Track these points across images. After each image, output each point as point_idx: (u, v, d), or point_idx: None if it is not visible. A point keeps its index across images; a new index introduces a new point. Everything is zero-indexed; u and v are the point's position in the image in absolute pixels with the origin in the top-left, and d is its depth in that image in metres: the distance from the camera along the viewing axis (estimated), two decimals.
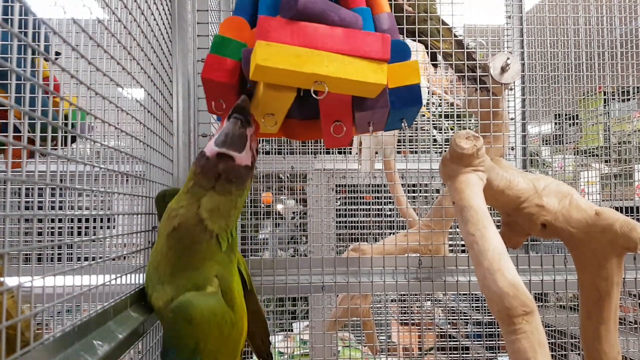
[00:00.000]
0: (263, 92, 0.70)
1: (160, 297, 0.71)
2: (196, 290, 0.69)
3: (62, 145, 0.69)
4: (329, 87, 0.68)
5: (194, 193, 0.70)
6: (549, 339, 0.76)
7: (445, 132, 2.23)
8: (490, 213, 0.82)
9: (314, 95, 0.69)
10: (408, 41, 1.11)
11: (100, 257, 0.67)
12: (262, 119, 0.76)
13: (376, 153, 1.78)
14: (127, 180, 0.78)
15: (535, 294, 1.35)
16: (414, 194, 2.27)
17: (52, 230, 0.62)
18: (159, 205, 0.87)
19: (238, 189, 0.72)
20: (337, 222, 2.34)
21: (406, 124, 0.83)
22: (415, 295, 2.51)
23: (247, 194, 0.76)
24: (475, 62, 1.15)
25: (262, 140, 2.34)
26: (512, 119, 1.51)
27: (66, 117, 1.03)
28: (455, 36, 1.16)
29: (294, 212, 2.96)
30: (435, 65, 1.25)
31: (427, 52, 1.17)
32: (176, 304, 0.67)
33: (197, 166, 0.71)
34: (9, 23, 0.88)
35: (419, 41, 1.17)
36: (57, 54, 0.74)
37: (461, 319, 2.78)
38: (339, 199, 2.55)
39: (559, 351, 1.58)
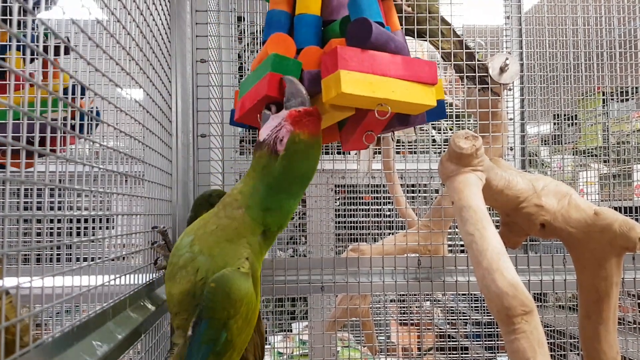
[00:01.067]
0: (329, 111, 0.79)
1: (196, 269, 0.71)
2: (230, 267, 0.72)
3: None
4: (391, 108, 0.77)
5: (248, 175, 0.78)
6: (548, 339, 0.76)
7: (444, 132, 2.23)
8: (490, 213, 0.82)
9: (377, 116, 0.78)
10: (409, 41, 1.11)
11: (100, 258, 0.67)
12: None
13: (375, 153, 1.78)
14: (126, 180, 0.78)
15: (535, 294, 1.35)
16: (413, 194, 2.28)
17: (51, 230, 0.62)
18: (201, 204, 0.88)
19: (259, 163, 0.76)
20: (336, 223, 2.34)
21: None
22: (415, 295, 2.51)
23: (275, 172, 0.74)
24: (477, 62, 1.15)
25: None
26: (511, 119, 1.51)
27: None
28: (457, 35, 1.16)
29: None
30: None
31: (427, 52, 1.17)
32: (219, 276, 0.69)
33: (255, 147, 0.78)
34: (8, 23, 0.88)
35: (419, 41, 1.17)
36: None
37: (460, 319, 2.78)
38: (338, 199, 2.55)
39: (558, 351, 1.58)
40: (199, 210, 0.88)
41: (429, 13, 1.14)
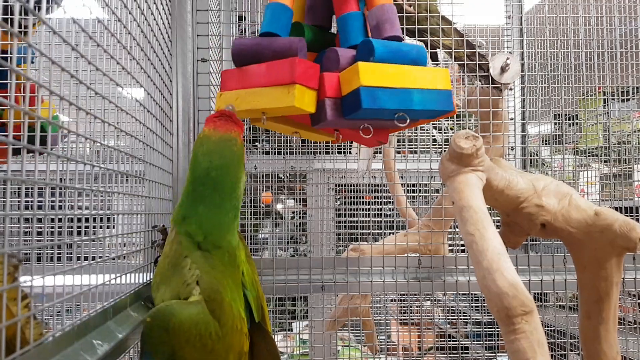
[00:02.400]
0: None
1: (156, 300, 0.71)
2: (178, 298, 0.68)
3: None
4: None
5: None
6: (548, 339, 0.76)
7: (444, 132, 2.23)
8: (490, 213, 0.82)
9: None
10: (410, 41, 1.11)
11: (100, 257, 0.67)
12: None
13: (375, 153, 1.78)
14: (126, 179, 0.78)
15: (535, 293, 1.35)
16: (413, 194, 2.28)
17: (52, 229, 0.62)
18: None
19: None
20: (336, 222, 2.34)
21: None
22: (415, 295, 2.51)
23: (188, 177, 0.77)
24: (480, 61, 1.14)
25: (262, 140, 2.34)
26: (511, 119, 1.51)
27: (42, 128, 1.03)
28: (459, 34, 1.16)
29: (293, 212, 2.96)
30: (436, 65, 1.25)
31: (428, 52, 1.17)
32: (154, 311, 0.65)
33: None
34: (9, 23, 0.88)
35: (420, 40, 1.17)
36: None
37: (461, 319, 2.78)
38: (339, 198, 2.55)
39: (558, 351, 1.58)
40: None
41: (429, 12, 1.14)
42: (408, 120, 0.77)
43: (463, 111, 1.36)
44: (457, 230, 1.46)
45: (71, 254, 0.59)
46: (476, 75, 1.15)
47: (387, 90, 0.74)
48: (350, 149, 2.20)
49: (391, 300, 2.71)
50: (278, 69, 0.76)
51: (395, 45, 0.79)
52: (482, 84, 1.16)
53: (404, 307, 2.61)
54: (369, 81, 0.72)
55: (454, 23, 1.17)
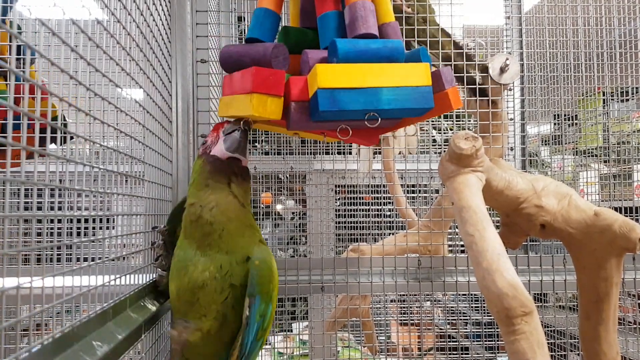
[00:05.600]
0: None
1: (218, 266, 0.79)
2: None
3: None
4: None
5: (214, 187, 0.82)
6: (548, 340, 0.76)
7: (444, 133, 2.23)
8: (490, 214, 0.82)
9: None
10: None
11: (100, 258, 0.67)
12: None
13: (375, 153, 1.78)
14: (126, 180, 0.78)
15: (535, 294, 1.35)
16: (413, 195, 2.28)
17: (52, 230, 0.62)
18: (177, 215, 0.90)
19: (248, 184, 0.87)
20: (336, 223, 2.34)
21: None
22: (415, 295, 2.51)
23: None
24: (477, 71, 1.15)
25: (262, 140, 2.34)
26: (511, 119, 1.51)
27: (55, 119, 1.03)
28: (457, 47, 1.16)
29: (293, 213, 2.96)
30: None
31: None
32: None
33: (209, 165, 0.82)
34: (9, 24, 0.88)
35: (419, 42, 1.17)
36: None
37: (460, 320, 2.78)
38: (338, 199, 2.55)
39: (558, 351, 1.58)
40: (176, 221, 0.89)
41: (428, 24, 1.15)
42: (379, 121, 0.75)
43: (462, 112, 1.36)
44: (456, 230, 1.46)
45: (71, 255, 0.59)
46: (474, 88, 1.15)
47: (350, 90, 0.72)
48: (350, 149, 2.20)
49: (391, 301, 2.71)
50: (243, 77, 0.77)
51: (364, 43, 0.76)
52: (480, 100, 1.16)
53: (404, 307, 2.61)
54: (328, 83, 0.71)
55: (453, 35, 1.17)
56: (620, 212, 0.91)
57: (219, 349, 0.82)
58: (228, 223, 0.81)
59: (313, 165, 2.04)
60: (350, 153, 2.18)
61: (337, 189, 2.44)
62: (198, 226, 0.80)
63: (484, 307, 2.31)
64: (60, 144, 0.63)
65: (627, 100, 1.87)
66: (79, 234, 0.60)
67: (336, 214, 2.32)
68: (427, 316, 2.59)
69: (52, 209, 1.25)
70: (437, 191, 2.02)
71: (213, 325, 0.79)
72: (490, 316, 2.16)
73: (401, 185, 1.72)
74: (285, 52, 0.78)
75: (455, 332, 2.76)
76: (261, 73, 0.74)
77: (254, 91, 0.73)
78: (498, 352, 1.93)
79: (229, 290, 0.79)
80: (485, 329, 2.18)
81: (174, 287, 0.81)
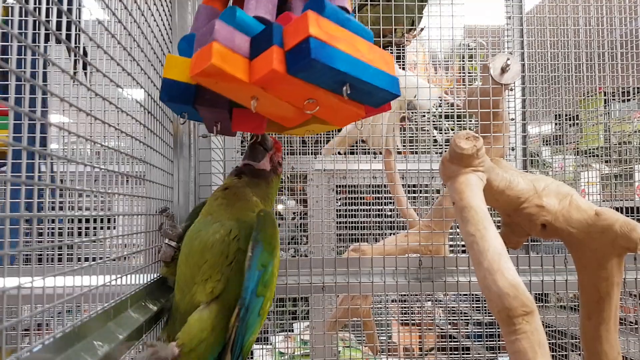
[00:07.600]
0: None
1: (228, 231, 0.87)
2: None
3: None
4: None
5: (231, 180, 0.96)
6: (549, 339, 0.76)
7: (445, 133, 2.23)
8: (491, 213, 0.82)
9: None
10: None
11: (101, 258, 0.67)
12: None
13: (375, 154, 1.78)
14: (127, 180, 0.78)
15: (536, 294, 1.35)
16: (414, 195, 2.27)
17: (53, 230, 0.62)
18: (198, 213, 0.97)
19: (264, 182, 1.00)
20: (337, 223, 2.34)
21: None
22: (416, 295, 2.51)
23: (276, 186, 1.04)
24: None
25: None
26: (512, 119, 1.51)
27: None
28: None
29: (294, 213, 2.96)
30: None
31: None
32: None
33: (235, 171, 0.99)
34: (9, 24, 0.88)
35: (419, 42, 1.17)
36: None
37: (462, 319, 2.78)
38: (340, 199, 2.55)
39: (559, 351, 1.58)
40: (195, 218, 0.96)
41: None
42: (348, 91, 0.69)
43: (463, 112, 1.36)
44: (457, 230, 1.46)
45: (72, 255, 0.59)
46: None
47: (338, 51, 0.66)
48: (350, 150, 2.20)
49: (392, 301, 2.71)
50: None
51: (345, 15, 0.71)
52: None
53: (405, 307, 2.61)
54: (320, 34, 0.64)
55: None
56: (622, 212, 0.91)
57: (216, 327, 0.82)
58: (236, 199, 0.92)
59: (314, 165, 2.03)
60: (352, 154, 2.18)
61: (338, 189, 2.44)
62: (214, 199, 0.93)
63: (485, 307, 2.31)
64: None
65: (629, 100, 1.87)
66: (80, 234, 0.60)
67: (337, 214, 2.32)
68: (428, 316, 2.59)
69: (53, 209, 1.25)
70: (438, 191, 2.02)
71: (216, 288, 0.83)
72: (491, 316, 2.16)
73: (402, 185, 1.72)
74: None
75: (457, 332, 2.76)
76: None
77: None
78: (499, 352, 1.92)
79: (234, 254, 0.85)
80: (486, 329, 2.18)
81: (184, 252, 0.87)
